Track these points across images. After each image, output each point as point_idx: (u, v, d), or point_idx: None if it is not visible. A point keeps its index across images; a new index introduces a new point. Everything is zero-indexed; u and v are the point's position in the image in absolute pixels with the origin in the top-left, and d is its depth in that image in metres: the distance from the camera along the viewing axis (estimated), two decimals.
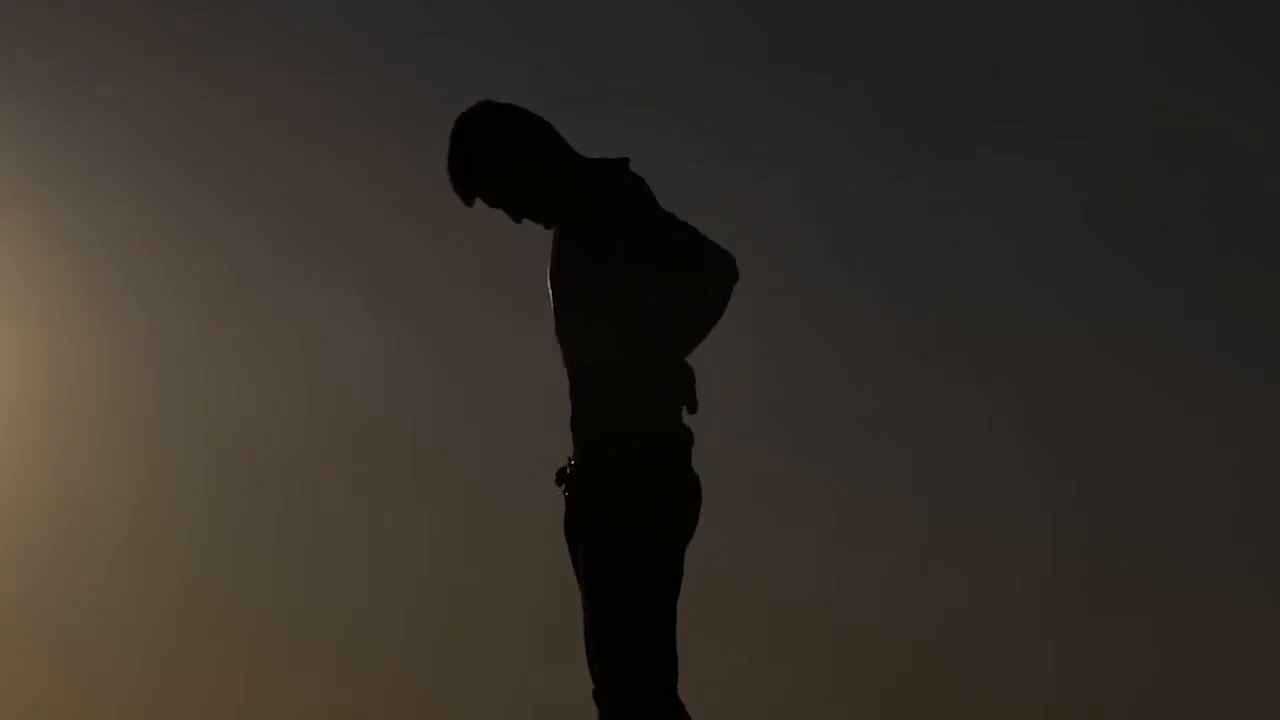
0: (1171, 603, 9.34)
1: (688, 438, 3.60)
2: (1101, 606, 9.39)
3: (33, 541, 9.60)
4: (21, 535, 9.62)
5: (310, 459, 9.75)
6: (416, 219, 9.29)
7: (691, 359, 3.64)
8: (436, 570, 9.35)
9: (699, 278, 3.65)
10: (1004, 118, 10.08)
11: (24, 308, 9.61)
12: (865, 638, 9.52)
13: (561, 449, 3.67)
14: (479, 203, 3.74)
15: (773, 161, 9.90)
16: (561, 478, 3.64)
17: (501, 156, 3.66)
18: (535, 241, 3.76)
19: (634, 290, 3.55)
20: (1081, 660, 9.13)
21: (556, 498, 3.67)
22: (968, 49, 10.03)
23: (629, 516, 3.50)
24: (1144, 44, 9.75)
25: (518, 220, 3.72)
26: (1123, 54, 9.80)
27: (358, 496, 9.65)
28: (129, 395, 9.89)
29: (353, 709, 9.08)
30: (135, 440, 9.81)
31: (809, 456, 9.99)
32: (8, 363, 9.73)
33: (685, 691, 3.53)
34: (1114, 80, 9.87)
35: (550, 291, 3.64)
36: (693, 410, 3.61)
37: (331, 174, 9.69)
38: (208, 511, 9.71)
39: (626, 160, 3.69)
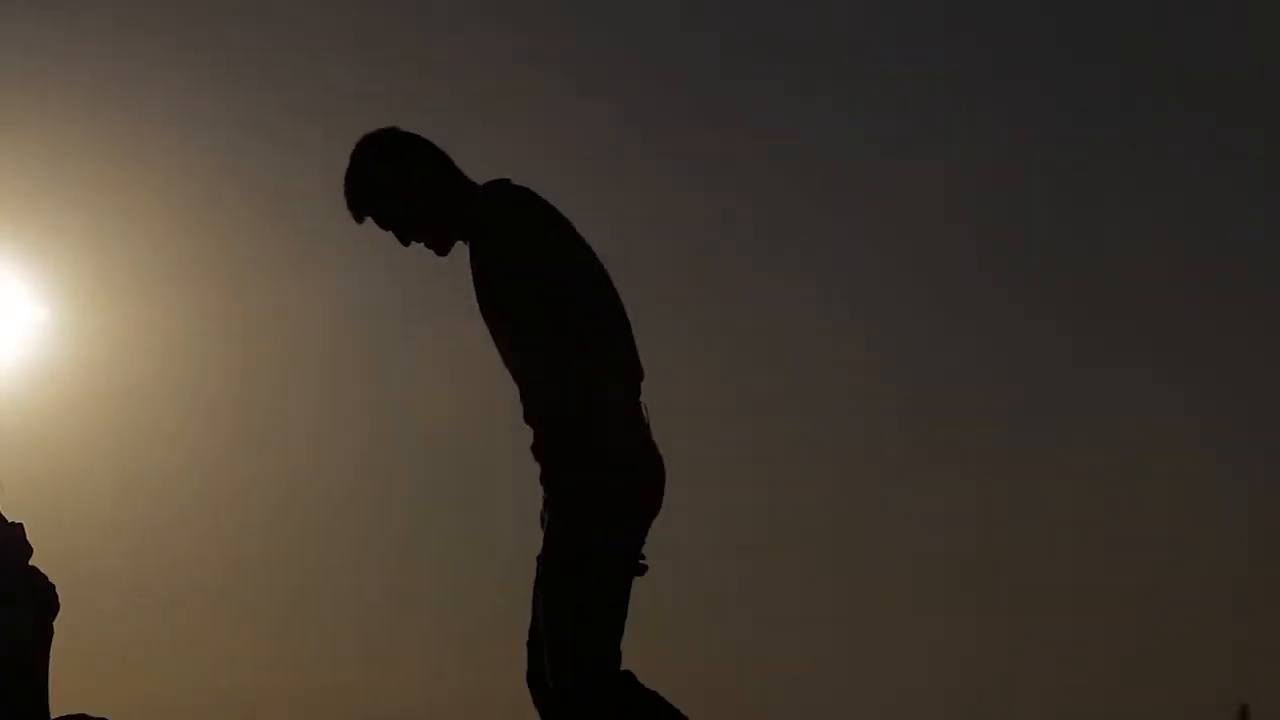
0: None
1: (632, 423, 3.77)
2: None
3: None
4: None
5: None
6: None
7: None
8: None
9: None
10: (1168, 108, 9.93)
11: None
12: (1023, 620, 9.49)
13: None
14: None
15: (926, 147, 9.89)
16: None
17: (388, 181, 3.88)
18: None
19: (545, 294, 3.72)
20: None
21: None
22: (1126, 37, 9.90)
23: (575, 507, 3.70)
24: None
25: (405, 243, 3.92)
26: None
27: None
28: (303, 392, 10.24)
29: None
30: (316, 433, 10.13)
31: (958, 448, 9.95)
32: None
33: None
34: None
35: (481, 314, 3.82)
36: (633, 394, 3.78)
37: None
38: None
39: (507, 180, 3.88)
